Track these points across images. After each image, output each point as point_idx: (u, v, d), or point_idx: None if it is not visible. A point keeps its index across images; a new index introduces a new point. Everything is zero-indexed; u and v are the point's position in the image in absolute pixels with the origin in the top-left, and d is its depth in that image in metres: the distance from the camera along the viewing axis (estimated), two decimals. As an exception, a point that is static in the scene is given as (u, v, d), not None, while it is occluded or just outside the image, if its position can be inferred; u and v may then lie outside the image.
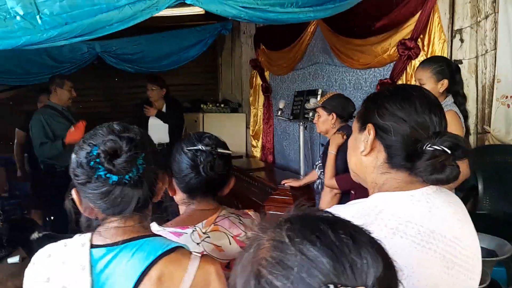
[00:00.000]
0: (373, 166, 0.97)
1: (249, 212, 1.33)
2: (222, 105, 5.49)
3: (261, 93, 5.05)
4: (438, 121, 0.92)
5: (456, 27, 2.80)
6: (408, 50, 2.96)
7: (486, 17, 2.72)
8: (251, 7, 2.10)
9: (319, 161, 2.62)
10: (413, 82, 2.71)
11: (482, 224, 2.68)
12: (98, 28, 1.84)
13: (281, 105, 4.22)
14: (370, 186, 1.00)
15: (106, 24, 1.85)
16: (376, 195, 0.95)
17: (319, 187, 2.58)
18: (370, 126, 0.95)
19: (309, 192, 3.02)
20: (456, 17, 2.79)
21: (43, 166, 3.58)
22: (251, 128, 5.31)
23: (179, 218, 1.23)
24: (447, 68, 2.15)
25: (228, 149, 1.23)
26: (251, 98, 5.23)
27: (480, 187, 2.82)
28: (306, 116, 3.86)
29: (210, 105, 5.42)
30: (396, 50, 3.05)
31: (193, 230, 1.15)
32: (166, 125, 4.21)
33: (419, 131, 0.90)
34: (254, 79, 5.14)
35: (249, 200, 3.25)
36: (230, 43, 5.80)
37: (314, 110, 2.60)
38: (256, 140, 5.26)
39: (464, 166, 2.07)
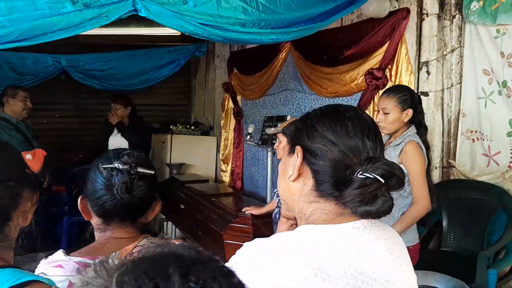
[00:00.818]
0: (300, 194, 0.86)
1: (176, 242, 1.18)
2: (193, 127, 5.35)
3: (232, 116, 4.96)
4: (372, 146, 0.82)
5: (422, 59, 2.79)
6: (375, 79, 2.93)
7: (452, 50, 2.72)
8: (210, 24, 2.01)
9: (277, 189, 2.49)
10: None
11: (445, 262, 2.60)
12: (39, 34, 1.71)
13: (250, 130, 4.11)
14: (298, 216, 0.89)
15: (48, 30, 1.73)
16: (300, 228, 0.83)
17: (277, 216, 2.45)
18: (298, 149, 0.85)
19: (271, 221, 2.88)
20: (423, 49, 2.78)
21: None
22: (221, 152, 5.18)
23: (91, 246, 1.07)
24: (411, 98, 2.09)
25: (152, 169, 1.09)
26: (222, 122, 5.13)
27: (444, 223, 2.74)
28: (274, 142, 3.77)
29: (180, 127, 5.28)
30: (364, 79, 3.02)
31: (103, 261, 1.00)
32: (127, 144, 4.06)
33: (350, 156, 0.80)
34: (226, 102, 5.05)
35: (208, 228, 3.07)
36: (204, 65, 5.74)
37: (275, 135, 2.50)
38: (225, 165, 5.12)
39: (423, 200, 2.00)
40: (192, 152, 5.19)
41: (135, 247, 1.06)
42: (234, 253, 0.85)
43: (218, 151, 5.31)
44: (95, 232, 1.11)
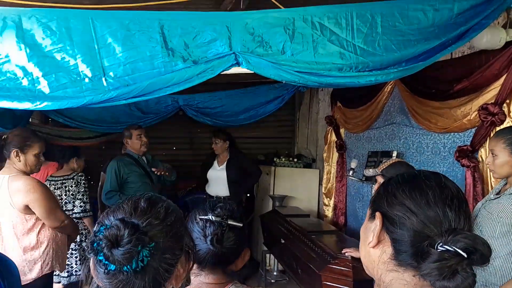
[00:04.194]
0: (380, 261, 0.85)
1: (260, 291, 1.24)
2: (295, 160, 5.44)
3: (335, 150, 4.92)
4: (455, 217, 0.78)
5: (549, 93, 2.47)
6: (491, 115, 2.67)
7: None
8: (306, 72, 2.08)
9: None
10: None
11: None
12: (155, 90, 1.96)
13: (353, 165, 4.05)
14: (377, 283, 0.87)
15: (163, 86, 1.97)
16: None
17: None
18: (378, 215, 0.85)
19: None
20: (549, 81, 2.47)
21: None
22: (323, 185, 5.15)
23: (187, 289, 1.19)
24: (526, 140, 1.88)
25: (241, 221, 1.17)
26: (325, 155, 5.12)
27: None
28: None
29: (283, 159, 5.41)
30: (478, 115, 2.77)
31: (194, 306, 1.10)
32: (225, 178, 4.31)
33: (430, 227, 0.78)
34: (329, 135, 5.05)
35: (307, 266, 3.06)
36: (308, 98, 5.83)
37: (373, 177, 2.43)
38: (328, 199, 5.07)
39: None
40: (294, 184, 5.26)
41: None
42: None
43: (320, 184, 5.29)
44: (190, 275, 1.22)
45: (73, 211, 3.84)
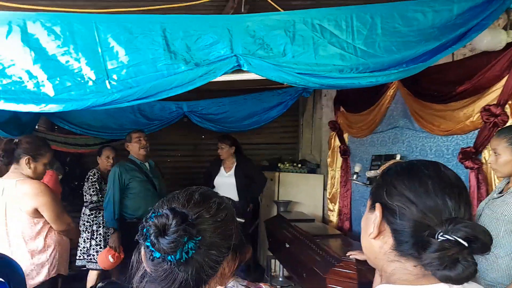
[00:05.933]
0: (381, 252, 0.85)
1: (263, 286, 1.24)
2: (299, 165, 5.44)
3: (339, 155, 4.92)
4: (455, 206, 0.78)
5: (551, 93, 2.47)
6: (493, 117, 2.67)
7: None
8: (307, 73, 2.10)
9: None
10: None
11: None
12: (158, 92, 1.99)
13: (357, 169, 4.04)
14: (379, 274, 0.88)
15: (166, 88, 2.00)
16: (381, 287, 0.82)
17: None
18: (377, 206, 0.85)
19: (376, 267, 2.74)
20: (551, 81, 2.47)
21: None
22: (328, 190, 5.14)
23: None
24: (528, 138, 1.88)
25: (243, 218, 1.18)
26: (329, 160, 5.12)
27: None
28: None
29: (287, 165, 5.41)
30: (480, 116, 2.77)
31: (195, 301, 1.10)
32: (234, 184, 4.30)
33: (430, 216, 0.77)
34: (333, 140, 5.05)
35: (311, 270, 3.05)
36: (312, 104, 5.84)
37: (375, 178, 2.42)
38: (333, 204, 5.06)
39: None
40: (298, 190, 5.26)
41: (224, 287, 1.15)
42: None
43: (325, 189, 5.28)
44: None
45: (86, 203, 4.24)
